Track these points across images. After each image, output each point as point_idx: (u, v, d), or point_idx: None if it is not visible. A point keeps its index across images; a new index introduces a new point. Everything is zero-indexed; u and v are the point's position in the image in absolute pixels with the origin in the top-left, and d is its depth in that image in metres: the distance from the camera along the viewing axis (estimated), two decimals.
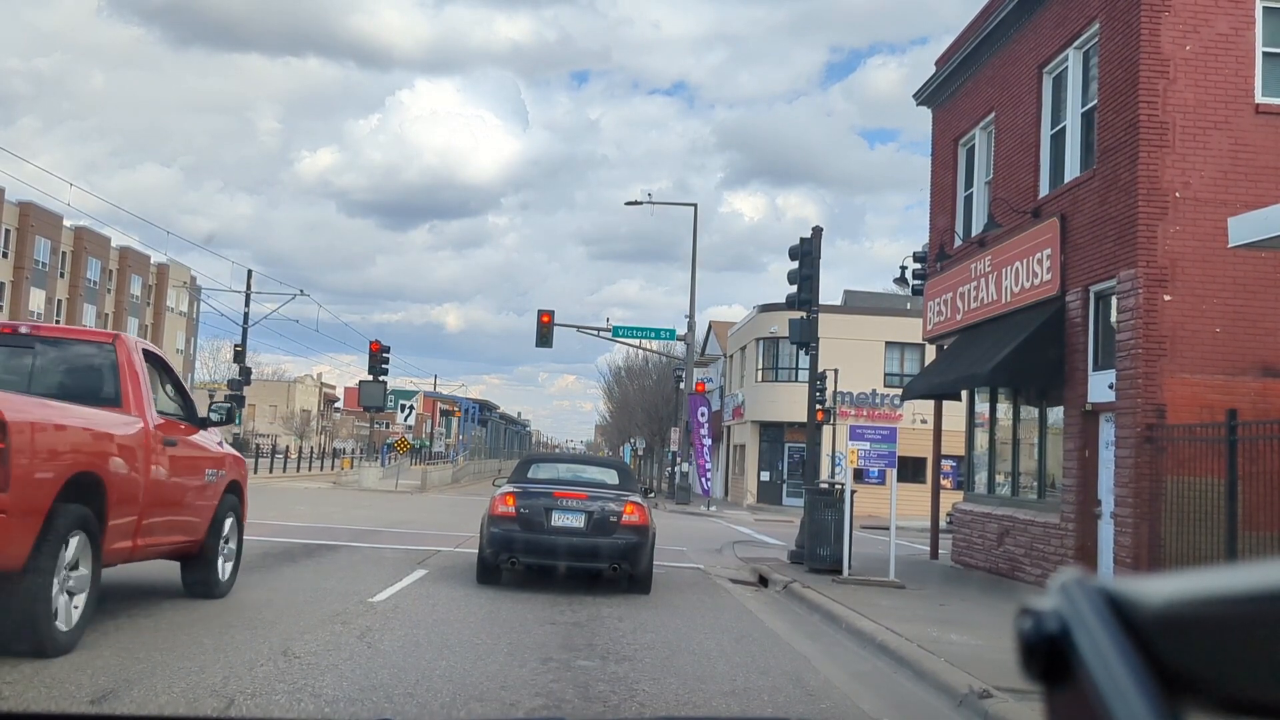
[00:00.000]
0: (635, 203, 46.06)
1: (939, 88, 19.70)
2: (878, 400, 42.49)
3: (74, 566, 7.28)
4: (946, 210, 19.22)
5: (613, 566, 12.13)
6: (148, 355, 9.14)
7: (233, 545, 10.49)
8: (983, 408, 17.92)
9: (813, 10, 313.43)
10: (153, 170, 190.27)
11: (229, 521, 10.34)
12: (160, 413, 9.02)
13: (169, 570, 10.19)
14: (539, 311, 39.81)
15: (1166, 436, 11.74)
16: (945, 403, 19.25)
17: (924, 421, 23.92)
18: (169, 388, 9.70)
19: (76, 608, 7.29)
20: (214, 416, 10.16)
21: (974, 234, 17.83)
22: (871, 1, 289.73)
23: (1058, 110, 15.07)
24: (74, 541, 7.22)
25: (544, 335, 39.61)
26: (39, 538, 6.81)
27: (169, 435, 9.00)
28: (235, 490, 10.65)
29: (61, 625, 7.07)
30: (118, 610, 8.78)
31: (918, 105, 20.79)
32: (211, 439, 10.39)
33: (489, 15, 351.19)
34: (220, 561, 10.13)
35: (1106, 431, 13.07)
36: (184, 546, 9.54)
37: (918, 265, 20.82)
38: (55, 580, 6.99)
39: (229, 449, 10.98)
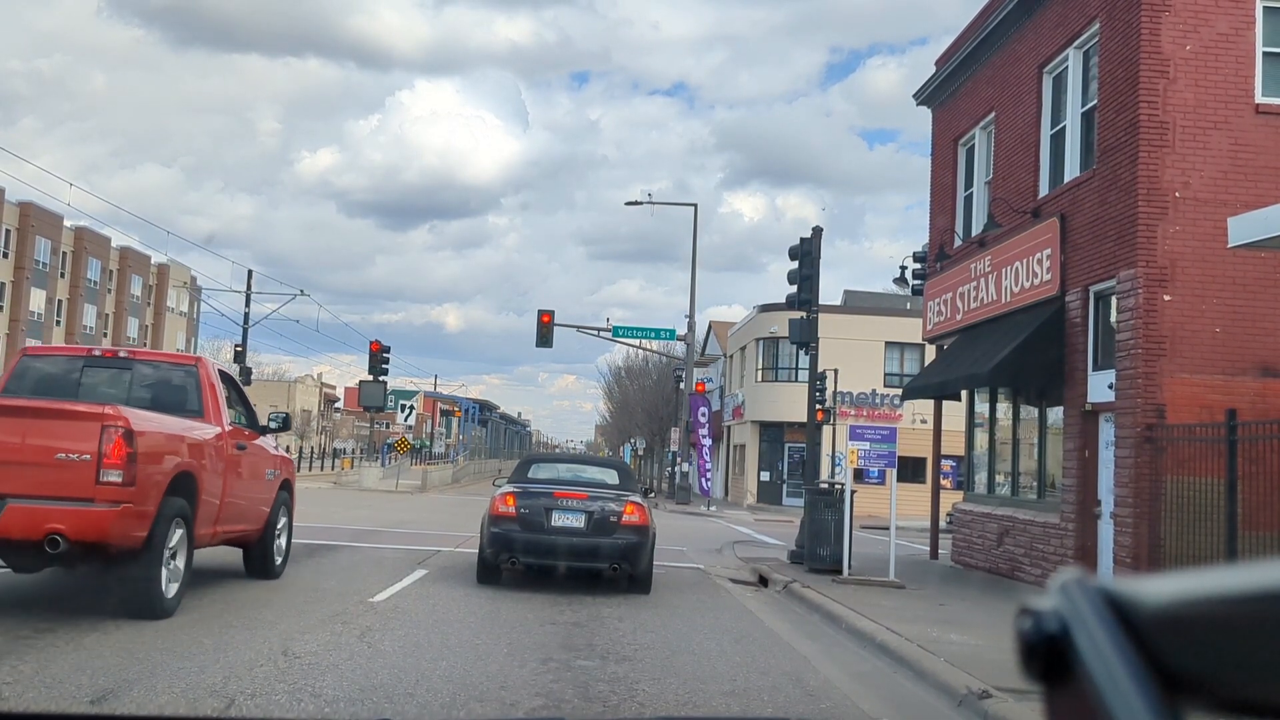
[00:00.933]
0: (635, 203, 46.12)
1: (939, 88, 19.70)
2: (878, 400, 42.49)
3: (174, 548, 8.89)
4: (946, 210, 19.22)
5: (613, 566, 12.12)
6: (221, 374, 10.89)
7: (284, 535, 12.11)
8: (983, 408, 17.92)
9: (812, 11, 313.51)
10: (153, 171, 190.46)
11: (282, 514, 12.02)
12: (231, 422, 10.65)
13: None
14: (539, 311, 39.83)
15: (1166, 436, 11.74)
16: (945, 403, 19.25)
17: (924, 421, 23.92)
18: (235, 400, 11.22)
19: (176, 581, 8.96)
20: (272, 424, 11.89)
21: (974, 234, 17.83)
22: (871, 2, 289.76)
23: (1058, 110, 15.07)
24: (175, 527, 8.87)
25: (544, 335, 39.60)
26: (153, 523, 8.49)
27: (239, 441, 10.67)
28: (287, 487, 12.35)
29: (166, 594, 8.73)
30: (118, 610, 8.78)
31: (918, 105, 20.79)
32: (269, 443, 11.96)
33: (488, 16, 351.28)
34: (275, 548, 11.74)
35: (1106, 431, 13.07)
36: (248, 534, 11.18)
37: (918, 265, 20.81)
38: (164, 557, 8.66)
39: (281, 452, 12.63)
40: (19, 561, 8.75)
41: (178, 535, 8.92)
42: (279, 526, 11.86)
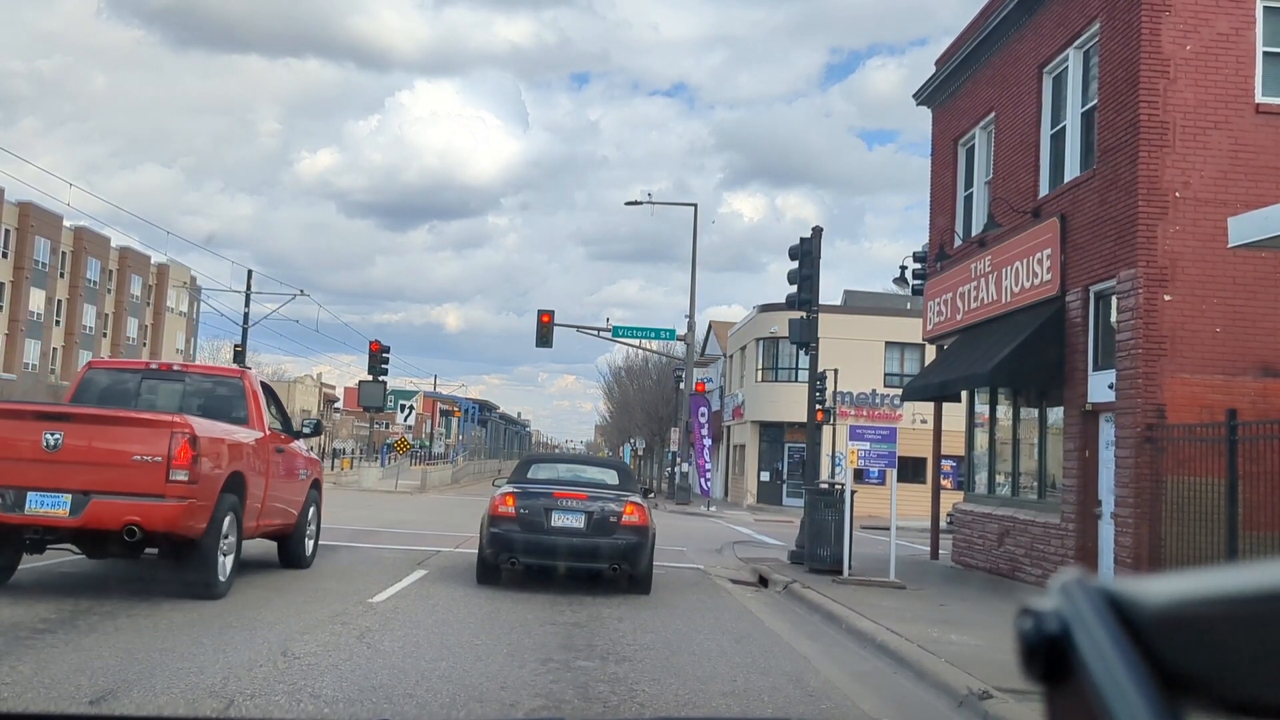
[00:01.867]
0: (635, 203, 46.09)
1: (939, 88, 19.69)
2: (878, 400, 42.47)
3: (227, 538, 10.02)
4: (946, 210, 19.21)
5: (613, 567, 12.11)
6: (262, 384, 12.04)
7: (313, 528, 13.27)
8: (983, 408, 17.90)
9: (812, 12, 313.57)
10: (153, 171, 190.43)
11: (312, 510, 13.15)
12: (270, 428, 11.70)
13: (164, 570, 10.30)
14: (539, 311, 39.81)
15: (1166, 436, 11.73)
16: (945, 403, 19.23)
17: (924, 421, 23.91)
18: (273, 408, 12.25)
19: (228, 567, 10.13)
20: (305, 430, 13.24)
21: (974, 234, 17.82)
22: (871, 3, 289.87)
23: (1058, 110, 15.06)
24: (228, 520, 10.01)
25: (544, 335, 39.59)
26: (211, 516, 9.64)
27: (278, 444, 11.84)
28: (316, 486, 13.52)
29: (220, 578, 9.91)
30: (117, 610, 8.79)
31: (917, 105, 20.77)
32: (302, 446, 13.10)
33: (488, 17, 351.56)
34: (306, 540, 12.88)
35: (1106, 431, 13.06)
36: (285, 528, 12.35)
37: (918, 265, 20.79)
38: (219, 546, 9.82)
39: (311, 454, 13.79)
40: (97, 549, 9.97)
41: (230, 526, 10.08)
42: (309, 520, 12.98)
